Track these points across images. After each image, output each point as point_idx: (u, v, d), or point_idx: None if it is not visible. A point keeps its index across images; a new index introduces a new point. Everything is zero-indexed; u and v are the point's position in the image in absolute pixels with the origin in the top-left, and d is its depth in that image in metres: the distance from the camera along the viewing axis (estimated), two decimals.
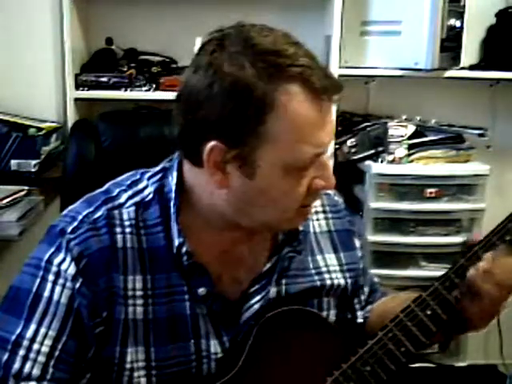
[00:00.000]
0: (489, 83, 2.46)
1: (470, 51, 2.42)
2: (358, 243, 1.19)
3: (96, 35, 2.28)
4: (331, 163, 2.23)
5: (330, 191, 1.18)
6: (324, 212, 1.15)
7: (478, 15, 2.39)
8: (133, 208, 0.98)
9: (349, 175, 2.33)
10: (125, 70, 2.19)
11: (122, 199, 0.99)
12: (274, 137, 0.88)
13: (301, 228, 1.05)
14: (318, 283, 1.09)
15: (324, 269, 1.10)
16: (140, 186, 1.01)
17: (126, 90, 2.15)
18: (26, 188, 1.95)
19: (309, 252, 1.10)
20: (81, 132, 1.65)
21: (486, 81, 2.44)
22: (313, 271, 1.09)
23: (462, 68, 2.36)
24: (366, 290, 1.21)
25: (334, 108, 0.93)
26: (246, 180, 0.91)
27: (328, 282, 1.10)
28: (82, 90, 2.15)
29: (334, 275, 1.11)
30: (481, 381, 2.60)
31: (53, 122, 2.23)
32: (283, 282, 1.05)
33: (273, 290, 1.04)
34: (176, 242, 0.96)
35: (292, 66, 0.88)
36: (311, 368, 1.02)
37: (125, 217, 0.97)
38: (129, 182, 1.02)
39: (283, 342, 1.01)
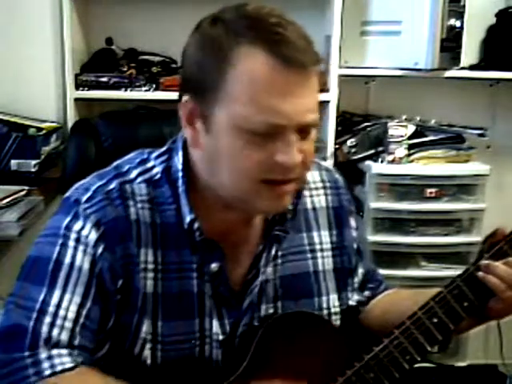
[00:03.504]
0: (489, 83, 2.47)
1: (470, 51, 2.42)
2: (354, 223, 1.16)
3: (96, 35, 2.28)
4: (331, 163, 2.23)
5: (330, 167, 1.18)
6: (324, 188, 1.14)
7: (478, 15, 2.39)
8: (144, 184, 0.99)
9: (349, 175, 2.32)
10: (125, 69, 2.19)
11: (133, 175, 1.00)
12: (231, 94, 0.88)
13: (290, 207, 1.03)
14: (311, 262, 1.09)
15: (318, 246, 1.10)
16: (148, 165, 1.02)
17: (126, 90, 2.15)
18: (26, 188, 1.95)
19: (304, 228, 1.09)
20: (81, 132, 1.65)
21: (486, 81, 2.44)
22: (307, 247, 1.09)
23: (462, 68, 2.36)
24: (361, 272, 1.18)
25: (311, 85, 0.90)
26: (206, 136, 0.92)
27: (319, 260, 1.10)
28: (82, 90, 2.14)
29: (325, 253, 1.11)
30: (481, 381, 2.60)
31: (53, 122, 2.23)
32: (278, 261, 1.05)
33: (269, 271, 1.04)
34: (188, 219, 0.97)
35: (265, 30, 0.88)
36: (315, 373, 1.01)
37: (136, 191, 0.98)
38: (138, 160, 1.03)
39: (287, 346, 1.01)
